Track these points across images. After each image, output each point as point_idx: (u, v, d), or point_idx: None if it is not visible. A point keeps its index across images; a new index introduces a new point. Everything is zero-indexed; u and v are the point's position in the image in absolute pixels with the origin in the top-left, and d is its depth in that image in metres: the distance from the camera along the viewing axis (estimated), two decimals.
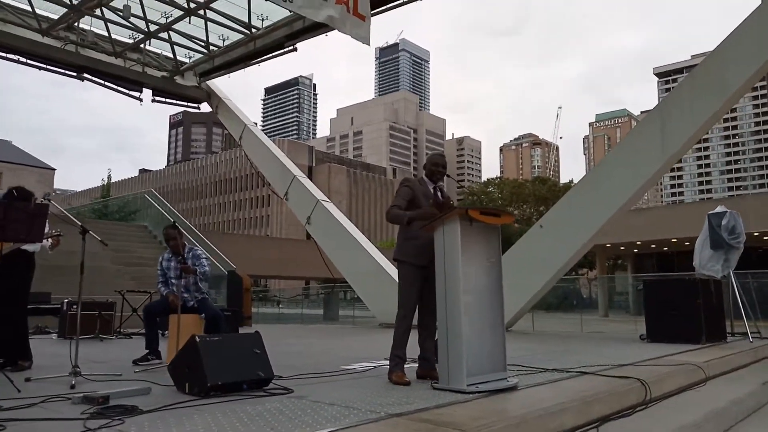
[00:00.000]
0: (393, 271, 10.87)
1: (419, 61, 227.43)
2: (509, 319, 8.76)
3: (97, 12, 12.19)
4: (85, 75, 13.93)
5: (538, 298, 9.47)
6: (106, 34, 13.10)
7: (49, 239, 4.22)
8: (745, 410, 4.00)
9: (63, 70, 13.66)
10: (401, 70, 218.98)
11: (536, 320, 12.89)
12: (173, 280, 4.94)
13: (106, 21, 12.61)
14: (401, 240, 4.02)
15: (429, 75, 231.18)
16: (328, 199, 13.18)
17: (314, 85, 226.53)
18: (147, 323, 4.93)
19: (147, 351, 4.78)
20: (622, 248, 32.08)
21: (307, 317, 23.90)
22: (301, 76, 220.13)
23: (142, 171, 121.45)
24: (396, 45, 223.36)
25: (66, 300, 7.94)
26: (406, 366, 3.87)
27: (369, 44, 9.17)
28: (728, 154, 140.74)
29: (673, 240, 28.33)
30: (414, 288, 3.89)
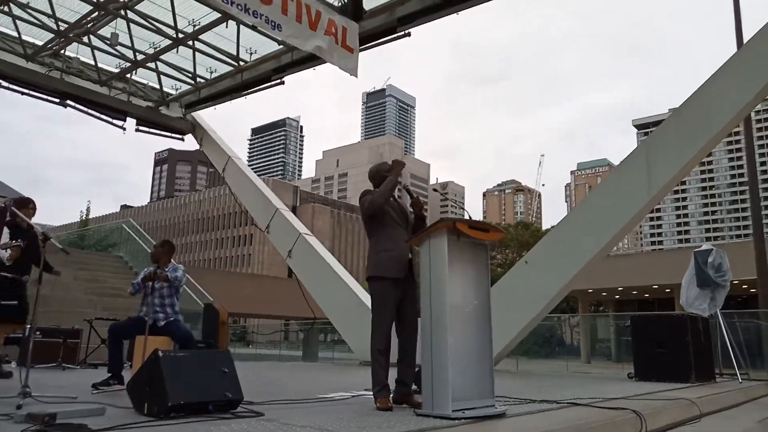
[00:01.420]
0: None
1: (405, 106, 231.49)
2: (494, 355, 8.49)
3: (85, 39, 12.12)
4: (68, 102, 13.74)
5: (524, 335, 9.23)
6: (92, 62, 13.01)
7: (8, 249, 3.93)
8: None
9: (46, 96, 13.45)
10: (387, 114, 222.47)
11: (519, 364, 12.61)
12: (149, 292, 4.64)
13: (93, 48, 12.52)
14: (374, 255, 3.78)
15: (414, 120, 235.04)
16: (310, 233, 12.96)
17: (301, 126, 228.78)
18: (111, 344, 4.59)
19: (109, 375, 4.44)
20: (604, 294, 32.03)
21: (285, 357, 23.21)
22: (288, 118, 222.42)
23: (124, 207, 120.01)
24: (383, 90, 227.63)
25: (28, 326, 7.50)
26: None
27: (356, 76, 9.17)
28: (705, 205, 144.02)
29: (655, 286, 28.37)
30: (391, 305, 3.64)
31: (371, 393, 3.70)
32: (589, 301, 33.40)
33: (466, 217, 3.36)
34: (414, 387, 3.77)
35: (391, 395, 3.67)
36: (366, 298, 11.23)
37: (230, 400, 3.02)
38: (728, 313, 8.32)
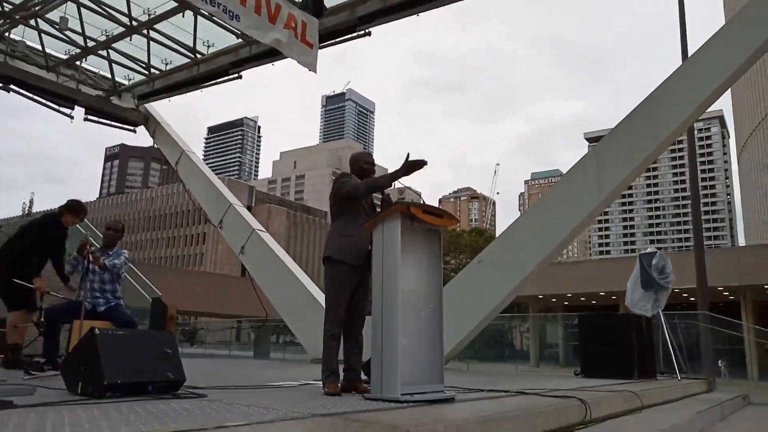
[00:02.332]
0: None
1: (365, 111, 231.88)
2: (445, 353, 8.53)
3: (32, 22, 11.60)
4: (12, 87, 13.12)
5: (475, 333, 9.30)
6: (39, 46, 12.47)
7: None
8: None
9: None
10: (347, 118, 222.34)
11: (470, 366, 12.73)
12: (90, 275, 4.42)
13: (41, 32, 12.01)
14: (335, 237, 3.72)
15: (374, 125, 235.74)
16: (264, 229, 12.75)
17: (259, 127, 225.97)
18: (46, 328, 4.36)
19: (43, 360, 4.21)
20: (554, 300, 32.81)
21: (235, 356, 22.73)
22: (246, 118, 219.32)
23: None
24: (342, 94, 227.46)
25: None
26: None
27: (315, 71, 9.08)
28: (651, 217, 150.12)
29: (602, 293, 29.25)
30: (347, 290, 3.60)
31: (320, 381, 3.64)
32: (538, 307, 34.14)
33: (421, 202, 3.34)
34: (363, 377, 3.73)
35: (341, 383, 3.62)
36: (318, 295, 11.12)
37: (172, 381, 2.89)
38: (670, 315, 8.63)
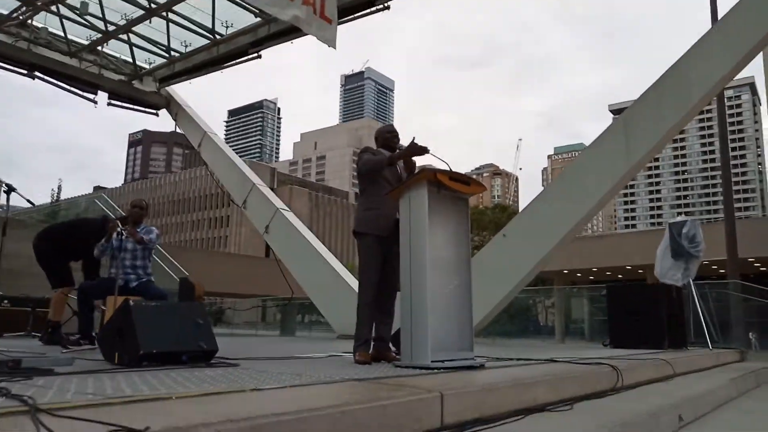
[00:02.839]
0: (353, 281, 10.54)
1: (384, 90, 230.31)
2: None
3: (53, 8, 11.71)
4: (37, 73, 13.31)
5: (502, 307, 9.28)
6: (61, 33, 12.59)
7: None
8: (717, 400, 3.84)
9: (13, 67, 13.01)
10: (366, 98, 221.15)
11: (496, 342, 12.72)
12: (118, 253, 4.51)
13: (62, 18, 12.11)
14: (361, 211, 3.81)
15: (393, 104, 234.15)
16: (287, 208, 12.83)
17: (278, 109, 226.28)
18: (81, 304, 4.48)
19: (78, 335, 4.33)
20: (579, 274, 32.52)
21: (261, 335, 23.07)
22: (265, 100, 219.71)
23: (97, 188, 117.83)
24: (361, 73, 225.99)
25: None
26: None
27: (335, 47, 9.00)
28: (678, 189, 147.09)
29: (628, 267, 28.88)
30: (376, 261, 3.64)
31: (349, 353, 3.67)
32: (564, 282, 33.90)
33: (447, 169, 3.30)
34: (393, 349, 3.75)
35: (371, 352, 3.65)
36: (344, 273, 11.18)
37: (205, 351, 2.94)
38: (700, 284, 8.48)
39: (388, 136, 4.00)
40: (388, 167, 3.76)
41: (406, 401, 1.89)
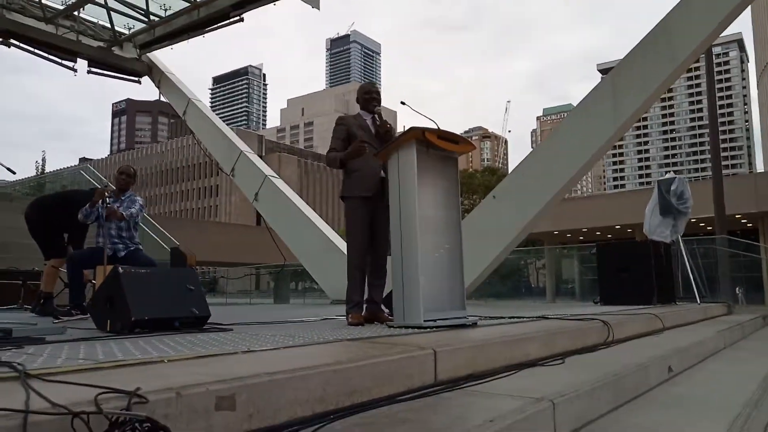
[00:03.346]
0: (345, 246, 10.56)
1: (370, 53, 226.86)
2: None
3: None
4: (12, 40, 12.92)
5: (493, 267, 9.34)
6: None
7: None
8: (705, 352, 3.92)
9: None
10: (352, 61, 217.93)
11: (488, 303, 12.86)
12: (103, 221, 4.45)
13: None
14: (344, 177, 3.83)
15: (380, 67, 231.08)
16: (276, 175, 12.72)
17: (264, 75, 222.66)
18: (71, 274, 4.45)
19: (70, 306, 4.31)
20: (569, 235, 32.82)
21: (256, 303, 23.22)
22: (250, 66, 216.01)
23: (83, 159, 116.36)
24: (347, 36, 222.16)
25: None
26: None
27: (318, 7, 8.82)
28: (666, 149, 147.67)
29: (617, 226, 29.16)
30: (363, 222, 3.66)
31: (343, 317, 3.69)
32: (554, 243, 34.23)
33: (435, 127, 3.25)
34: (385, 310, 3.77)
35: (364, 314, 3.67)
36: (335, 239, 11.18)
37: (197, 317, 2.94)
38: (688, 240, 8.58)
39: (366, 98, 3.96)
40: (359, 129, 3.80)
41: (398, 359, 1.89)
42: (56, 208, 5.13)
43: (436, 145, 3.23)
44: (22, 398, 1.06)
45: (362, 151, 3.60)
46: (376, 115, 3.87)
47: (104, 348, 2.02)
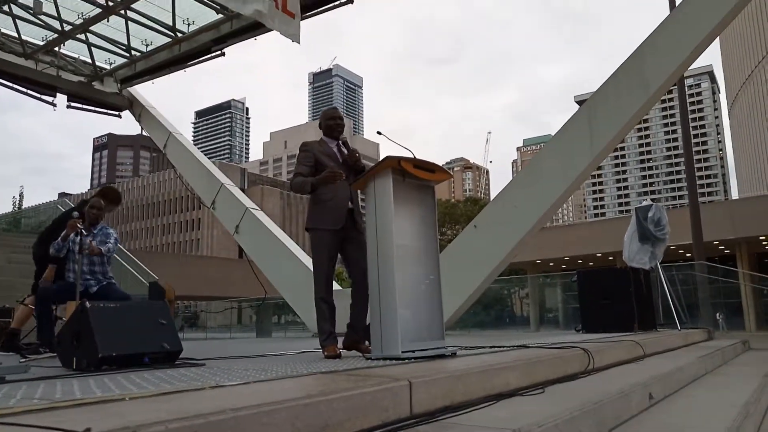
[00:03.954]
0: None
1: (352, 86, 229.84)
2: (446, 319, 8.55)
3: (5, 9, 11.29)
4: None
5: (475, 297, 9.30)
6: (14, 33, 12.16)
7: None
8: (686, 378, 3.90)
9: None
10: (335, 95, 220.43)
11: (471, 334, 12.80)
12: (76, 256, 4.32)
13: (15, 18, 11.70)
14: (311, 206, 3.74)
15: (362, 100, 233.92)
16: (257, 207, 12.66)
17: (247, 108, 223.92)
18: (39, 310, 4.30)
19: (38, 342, 4.16)
20: (551, 264, 32.98)
21: (236, 338, 22.81)
22: (233, 100, 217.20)
23: (62, 194, 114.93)
24: (329, 70, 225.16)
25: None
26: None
27: (299, 42, 8.89)
28: (644, 177, 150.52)
29: (598, 254, 29.40)
30: (329, 254, 3.60)
31: (320, 349, 3.61)
32: (537, 272, 34.35)
33: (411, 156, 3.25)
34: (366, 343, 3.71)
35: (341, 343, 3.62)
36: None
37: (168, 352, 2.85)
38: (667, 267, 8.64)
39: (330, 124, 3.88)
40: (325, 156, 3.74)
41: (372, 391, 1.84)
42: (52, 236, 5.05)
43: (412, 174, 3.22)
44: None
45: (338, 177, 3.51)
46: (341, 143, 3.86)
47: (65, 387, 1.93)
